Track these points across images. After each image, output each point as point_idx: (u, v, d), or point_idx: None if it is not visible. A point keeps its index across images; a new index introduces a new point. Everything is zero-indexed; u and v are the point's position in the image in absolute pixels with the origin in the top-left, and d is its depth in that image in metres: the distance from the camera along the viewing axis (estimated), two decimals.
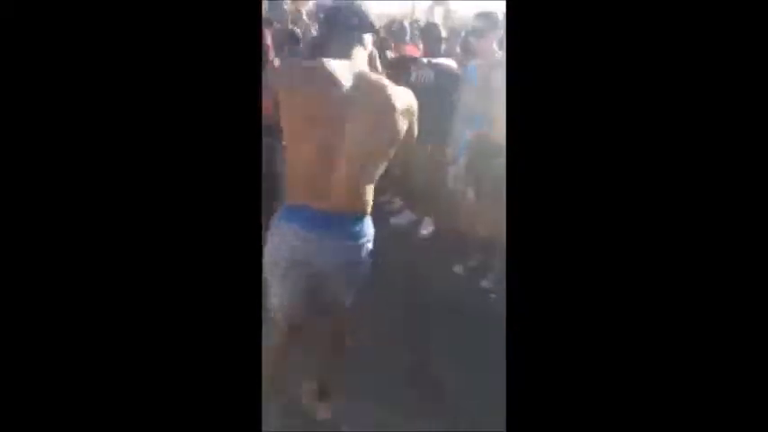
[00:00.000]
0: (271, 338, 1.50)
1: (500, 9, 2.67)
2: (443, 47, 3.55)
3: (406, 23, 3.99)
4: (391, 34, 3.73)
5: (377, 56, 1.59)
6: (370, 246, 1.53)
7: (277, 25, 3.91)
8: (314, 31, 4.15)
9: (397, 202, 3.75)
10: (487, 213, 2.53)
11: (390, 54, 3.46)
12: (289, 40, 3.28)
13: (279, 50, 3.28)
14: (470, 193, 2.64)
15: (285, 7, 4.87)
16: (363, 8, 1.52)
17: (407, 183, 3.38)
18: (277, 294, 1.51)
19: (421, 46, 3.80)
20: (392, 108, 1.40)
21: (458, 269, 2.98)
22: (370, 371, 1.96)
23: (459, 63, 3.21)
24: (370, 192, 1.47)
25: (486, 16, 2.65)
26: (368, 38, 1.50)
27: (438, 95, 2.78)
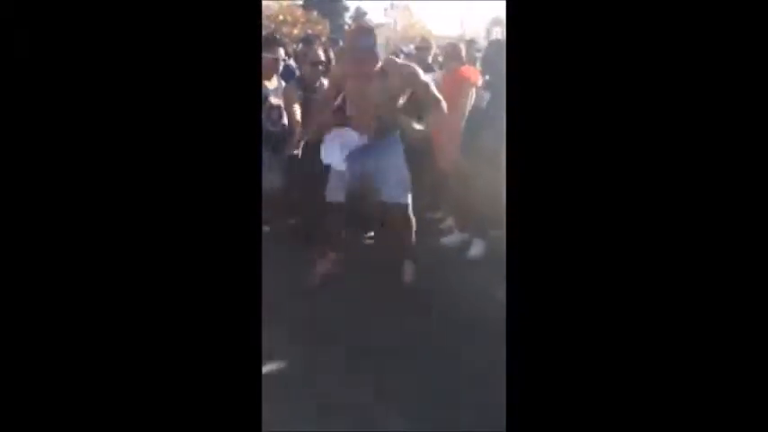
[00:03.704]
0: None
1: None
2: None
3: (462, 45, 3.95)
4: (449, 56, 3.64)
5: None
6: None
7: None
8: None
9: (449, 222, 3.62)
10: None
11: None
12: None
13: None
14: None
15: None
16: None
17: (463, 204, 3.28)
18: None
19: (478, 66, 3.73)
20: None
21: (501, 295, 2.84)
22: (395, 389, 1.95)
23: None
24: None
25: None
26: None
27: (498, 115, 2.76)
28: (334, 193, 2.62)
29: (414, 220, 2.71)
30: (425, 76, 2.50)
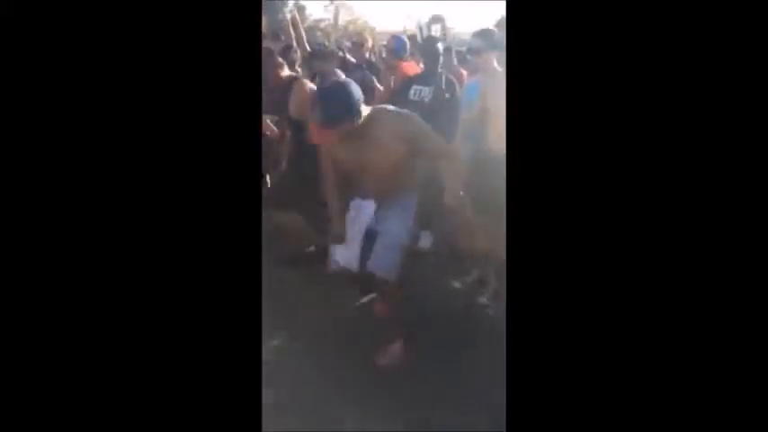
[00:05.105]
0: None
1: (499, 26, 2.94)
2: (441, 63, 3.49)
3: (405, 38, 3.91)
4: (391, 51, 3.71)
5: None
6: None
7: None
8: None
9: None
10: (485, 228, 2.56)
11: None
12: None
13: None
14: (469, 208, 2.62)
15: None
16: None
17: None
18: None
19: (421, 63, 3.70)
20: (388, 136, 1.97)
21: (456, 284, 3.01)
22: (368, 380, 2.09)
23: (459, 80, 3.37)
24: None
25: (485, 34, 2.67)
26: None
27: (437, 111, 2.96)
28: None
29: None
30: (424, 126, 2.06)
